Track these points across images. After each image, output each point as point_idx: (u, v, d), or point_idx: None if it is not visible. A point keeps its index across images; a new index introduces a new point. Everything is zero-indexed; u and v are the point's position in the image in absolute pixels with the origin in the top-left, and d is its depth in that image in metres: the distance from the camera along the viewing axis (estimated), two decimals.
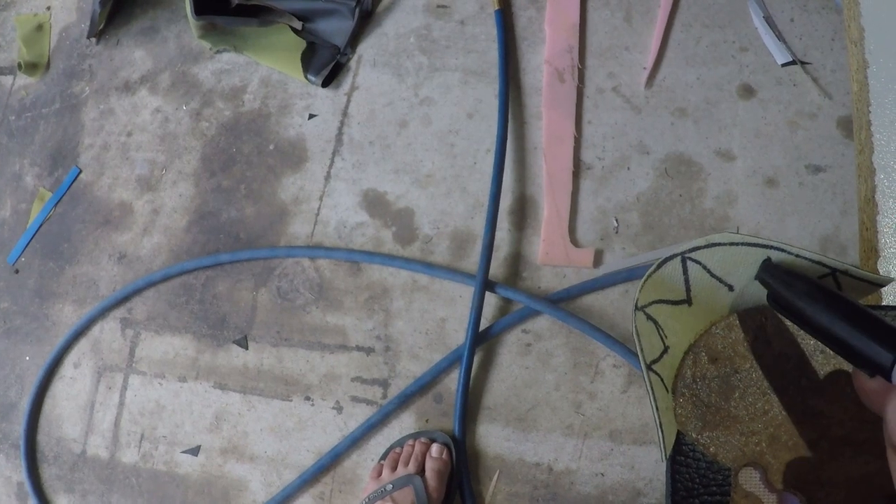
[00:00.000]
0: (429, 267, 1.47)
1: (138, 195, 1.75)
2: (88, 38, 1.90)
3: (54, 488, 1.66)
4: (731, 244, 0.57)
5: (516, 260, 1.45)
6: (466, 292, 1.45)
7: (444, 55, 1.60)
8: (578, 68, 1.50)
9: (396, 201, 1.54)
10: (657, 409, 0.58)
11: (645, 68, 1.48)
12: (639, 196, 1.42)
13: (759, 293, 0.59)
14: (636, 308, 0.59)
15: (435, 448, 1.34)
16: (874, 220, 0.65)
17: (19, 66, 1.94)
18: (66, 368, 1.71)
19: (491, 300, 1.44)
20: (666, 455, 0.59)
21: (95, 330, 1.70)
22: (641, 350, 0.58)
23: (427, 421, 1.43)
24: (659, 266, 0.59)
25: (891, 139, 0.68)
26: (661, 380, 0.59)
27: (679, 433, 0.60)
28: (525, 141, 1.51)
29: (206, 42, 1.72)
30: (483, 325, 1.42)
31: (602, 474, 1.32)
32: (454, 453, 1.36)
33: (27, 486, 1.66)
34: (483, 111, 1.54)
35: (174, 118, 1.77)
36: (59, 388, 1.71)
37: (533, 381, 1.39)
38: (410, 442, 1.38)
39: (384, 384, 1.47)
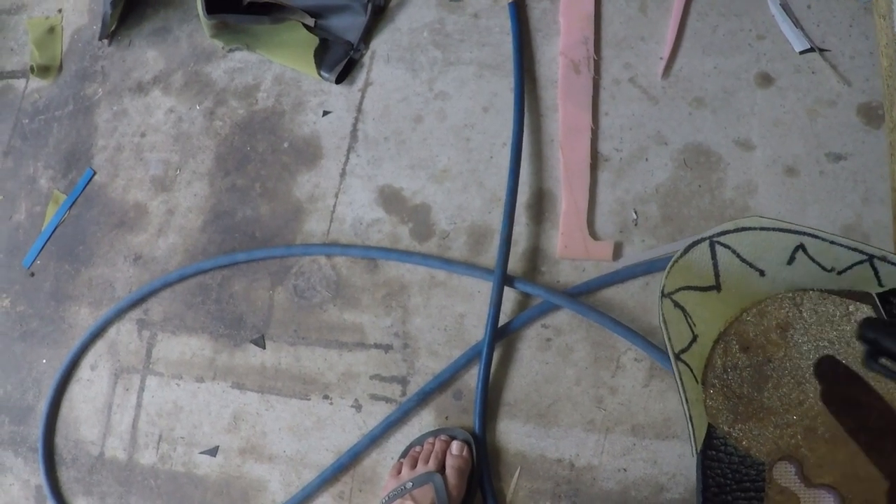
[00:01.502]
0: (446, 262, 1.45)
1: (153, 196, 1.74)
2: (100, 39, 1.90)
3: (73, 491, 1.65)
4: (762, 229, 0.55)
5: (535, 254, 1.44)
6: (485, 287, 1.43)
7: (458, 49, 1.58)
8: (594, 59, 1.49)
9: (412, 197, 1.53)
10: (687, 400, 0.56)
11: (661, 58, 1.46)
12: (658, 187, 1.40)
13: (791, 278, 0.57)
14: (662, 295, 0.57)
15: (455, 445, 1.33)
16: None
17: (32, 69, 1.94)
18: (83, 371, 1.71)
19: (510, 295, 1.42)
20: (697, 449, 0.58)
21: (112, 332, 1.70)
22: (669, 339, 0.56)
23: (447, 418, 1.42)
24: (686, 251, 0.58)
25: None
26: (691, 370, 0.58)
27: (710, 426, 0.59)
28: (541, 134, 1.49)
29: (218, 41, 1.72)
30: (502, 320, 1.40)
31: (624, 469, 1.31)
32: (475, 450, 1.34)
33: (45, 490, 1.65)
34: (498, 105, 1.53)
35: (188, 118, 1.77)
36: (76, 390, 1.71)
37: (553, 376, 1.38)
38: (430, 440, 1.37)
39: (403, 382, 1.45)
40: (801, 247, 0.55)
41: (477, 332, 1.43)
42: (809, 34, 1.38)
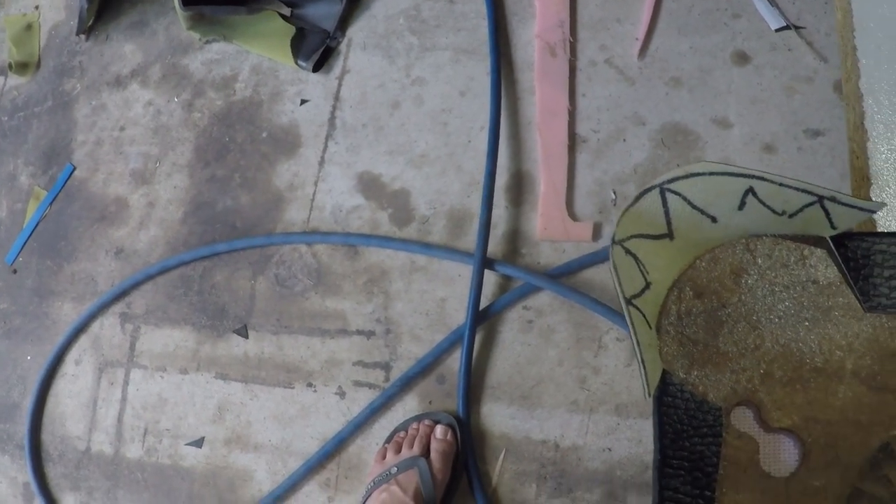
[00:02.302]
0: (426, 247, 1.45)
1: (133, 189, 1.74)
2: (77, 35, 1.89)
3: (60, 487, 1.65)
4: (711, 174, 0.55)
5: (514, 236, 1.44)
6: (465, 271, 1.43)
7: (434, 35, 1.58)
8: (570, 42, 1.49)
9: (391, 183, 1.53)
10: (639, 344, 0.56)
11: (637, 39, 1.46)
12: (636, 167, 1.40)
13: (744, 224, 0.58)
14: (613, 242, 0.57)
15: (439, 429, 1.33)
16: (864, 147, 0.64)
17: (10, 66, 1.93)
18: (68, 366, 1.71)
19: (490, 278, 1.43)
20: (649, 392, 0.58)
21: (95, 326, 1.70)
22: (619, 284, 0.56)
23: (430, 402, 1.42)
24: (637, 199, 0.58)
25: (877, 64, 0.67)
26: (643, 315, 0.58)
27: (666, 373, 0.59)
28: (519, 117, 1.50)
29: (195, 33, 1.71)
30: (483, 303, 1.40)
31: (609, 449, 1.31)
32: (459, 434, 1.34)
33: (33, 486, 1.65)
34: (475, 89, 1.53)
35: (166, 110, 1.76)
36: (61, 386, 1.70)
37: (536, 357, 1.38)
38: (414, 424, 1.37)
39: (386, 367, 1.46)
40: (751, 190, 0.55)
41: (458, 315, 1.43)
42: (785, 12, 1.39)
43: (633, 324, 0.56)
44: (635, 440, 1.30)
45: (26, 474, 1.67)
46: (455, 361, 1.42)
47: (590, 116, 1.45)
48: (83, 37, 1.90)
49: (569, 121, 1.46)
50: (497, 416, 1.37)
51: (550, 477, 1.33)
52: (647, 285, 0.58)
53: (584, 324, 1.36)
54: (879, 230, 0.74)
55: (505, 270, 1.40)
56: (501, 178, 1.46)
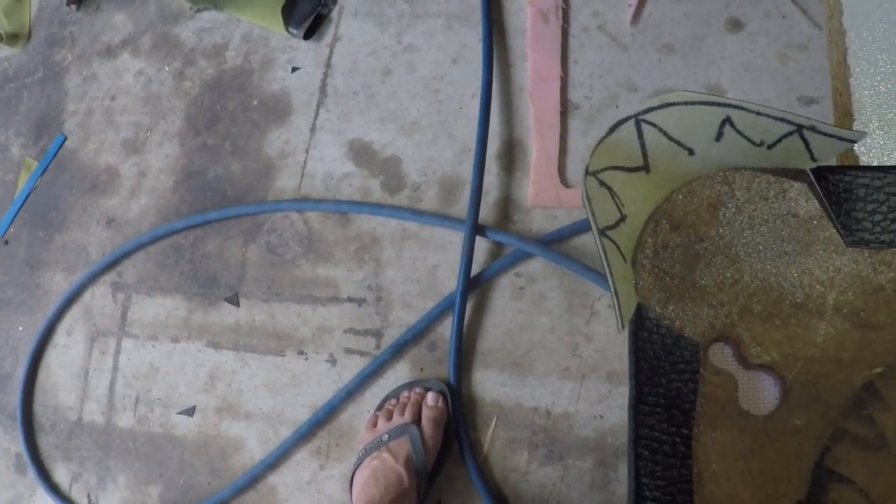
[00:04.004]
0: (418, 214, 1.45)
1: (124, 158, 1.73)
2: (68, 5, 1.88)
3: (52, 457, 1.65)
4: (687, 103, 0.55)
5: (506, 203, 1.43)
6: (457, 238, 1.43)
7: (426, 1, 1.57)
8: (562, 8, 1.48)
9: (383, 150, 1.52)
10: (612, 275, 0.55)
11: (630, 5, 1.45)
12: None
13: (722, 156, 0.57)
14: (586, 173, 0.56)
15: (430, 396, 1.32)
16: (847, 83, 0.63)
17: (0, 37, 1.92)
18: (59, 336, 1.70)
19: (482, 245, 1.42)
20: (623, 325, 0.57)
21: (87, 296, 1.69)
22: (592, 214, 0.55)
23: (422, 370, 1.42)
24: (612, 130, 0.57)
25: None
26: (618, 247, 0.57)
27: (642, 308, 0.58)
28: (511, 84, 1.49)
29: (186, 1, 1.70)
30: (475, 270, 1.40)
31: (601, 416, 1.31)
32: (450, 401, 1.34)
33: (25, 457, 1.65)
34: (467, 56, 1.52)
35: (157, 79, 1.75)
36: (52, 356, 1.70)
37: (527, 324, 1.37)
38: (405, 392, 1.36)
39: (377, 334, 1.45)
40: (728, 120, 0.55)
41: (450, 282, 1.42)
42: None
43: (605, 255, 0.55)
44: (627, 407, 1.29)
45: (18, 445, 1.67)
46: (446, 328, 1.41)
47: (582, 83, 1.45)
48: (74, 7, 1.89)
49: (561, 87, 1.45)
50: (488, 384, 1.37)
51: (542, 444, 1.33)
52: (623, 218, 0.57)
53: (575, 290, 1.36)
54: (862, 164, 0.73)
55: (496, 237, 1.40)
56: (493, 145, 1.46)
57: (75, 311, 1.70)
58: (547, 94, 1.44)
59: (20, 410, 1.68)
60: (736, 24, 1.39)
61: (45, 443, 1.66)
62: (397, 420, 1.30)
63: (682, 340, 0.58)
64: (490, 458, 1.34)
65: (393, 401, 1.37)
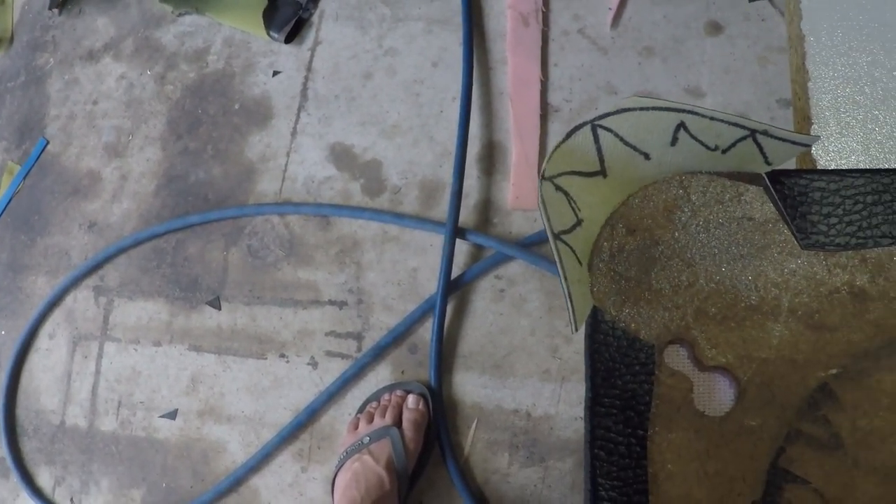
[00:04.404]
0: (398, 217, 1.45)
1: (106, 162, 1.73)
2: (50, 9, 1.88)
3: (35, 461, 1.65)
4: (642, 109, 0.55)
5: (486, 206, 1.44)
6: (437, 241, 1.43)
7: (406, 5, 1.58)
8: (543, 11, 1.49)
9: (363, 153, 1.53)
10: (566, 279, 0.56)
11: (610, 9, 1.46)
12: None
13: (677, 161, 0.57)
14: (542, 178, 0.57)
15: (411, 399, 1.33)
16: (805, 87, 0.64)
17: None
18: (42, 340, 1.70)
19: (463, 248, 1.42)
20: (576, 327, 0.58)
21: (69, 300, 1.69)
22: (548, 219, 0.56)
23: (403, 372, 1.42)
24: (568, 136, 0.57)
25: (818, 4, 0.67)
26: (573, 251, 0.57)
27: (598, 311, 0.58)
28: (491, 87, 1.49)
29: (168, 5, 1.71)
30: (455, 273, 1.40)
31: (581, 418, 1.31)
32: (431, 404, 1.35)
33: (8, 461, 1.64)
34: (448, 59, 1.52)
35: (139, 84, 1.75)
36: (35, 360, 1.70)
37: (508, 327, 1.38)
38: (386, 395, 1.37)
39: (358, 337, 1.45)
40: (683, 125, 0.55)
41: (430, 285, 1.43)
42: None
43: (560, 259, 0.56)
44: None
45: (1, 449, 1.67)
46: (427, 331, 1.42)
47: (562, 86, 1.45)
48: (56, 11, 1.89)
49: (541, 90, 1.45)
50: (469, 386, 1.37)
51: (522, 446, 1.33)
52: (579, 222, 0.58)
53: (555, 293, 1.36)
54: (819, 168, 0.74)
55: (476, 240, 1.40)
56: (473, 148, 1.46)
57: (57, 315, 1.69)
58: (527, 98, 1.45)
59: (2, 414, 1.67)
60: (716, 28, 1.40)
61: (28, 447, 1.66)
62: (378, 423, 1.31)
63: (637, 343, 0.58)
64: (471, 460, 1.35)
65: (374, 403, 1.37)
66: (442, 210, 1.45)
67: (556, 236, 0.56)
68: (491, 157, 1.45)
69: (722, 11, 1.40)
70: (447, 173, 1.46)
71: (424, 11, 1.56)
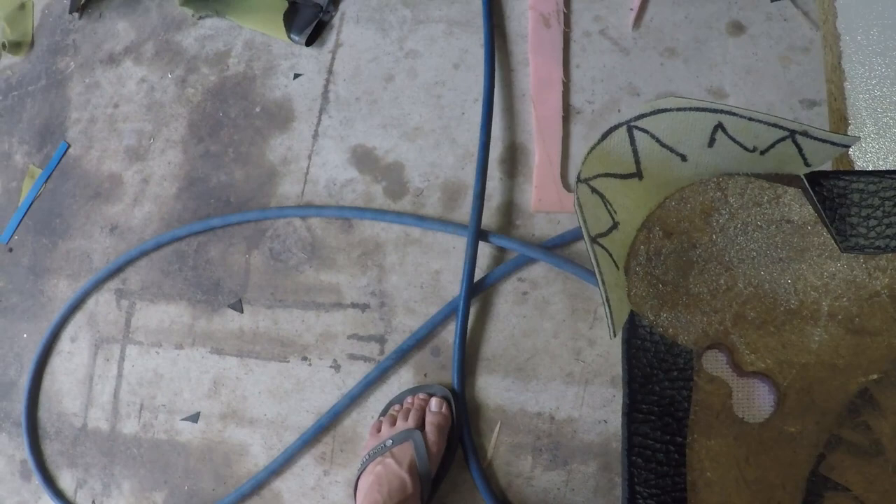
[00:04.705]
0: (421, 220, 1.45)
1: (127, 166, 1.74)
2: (70, 13, 1.89)
3: (57, 464, 1.65)
4: (679, 109, 0.55)
5: (509, 208, 1.43)
6: (460, 243, 1.43)
7: (427, 7, 1.57)
8: (564, 13, 1.48)
9: (385, 156, 1.52)
10: (604, 283, 0.55)
11: (632, 9, 1.45)
12: None
13: (715, 162, 0.57)
14: (578, 180, 0.56)
15: (434, 402, 1.32)
16: (842, 87, 0.63)
17: (3, 45, 1.93)
18: (64, 343, 1.71)
19: (485, 250, 1.42)
20: (615, 332, 0.57)
21: (91, 303, 1.70)
22: (584, 222, 0.55)
23: (426, 375, 1.41)
24: (603, 137, 0.57)
25: (854, 2, 0.66)
26: (610, 254, 0.57)
27: (635, 316, 0.58)
28: (513, 88, 1.49)
29: (188, 9, 1.71)
30: (478, 275, 1.40)
31: (605, 421, 1.30)
32: (454, 407, 1.34)
33: (30, 464, 1.65)
34: (469, 61, 1.52)
35: (160, 87, 1.76)
36: (57, 363, 1.70)
37: (531, 329, 1.37)
38: (409, 398, 1.36)
39: (381, 340, 1.45)
40: (720, 126, 0.54)
41: (453, 288, 1.42)
42: None
43: (598, 262, 0.55)
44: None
45: (24, 451, 1.68)
46: (450, 334, 1.41)
47: (584, 87, 1.45)
48: (76, 15, 1.90)
49: (563, 92, 1.45)
50: (492, 389, 1.37)
51: (546, 449, 1.32)
52: (615, 225, 0.57)
53: (578, 295, 1.35)
54: (857, 169, 0.73)
55: (499, 242, 1.40)
56: (496, 150, 1.46)
57: (79, 319, 1.70)
58: (549, 99, 1.44)
59: (25, 417, 1.68)
60: (738, 28, 1.39)
61: (50, 449, 1.66)
62: (401, 426, 1.30)
63: (675, 348, 0.57)
64: (494, 463, 1.34)
65: (397, 406, 1.37)
66: (464, 212, 1.45)
67: (593, 240, 0.55)
68: (513, 159, 1.45)
69: (744, 11, 1.39)
70: (469, 175, 1.45)
71: (445, 13, 1.56)
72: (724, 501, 0.55)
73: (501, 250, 1.42)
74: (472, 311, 1.40)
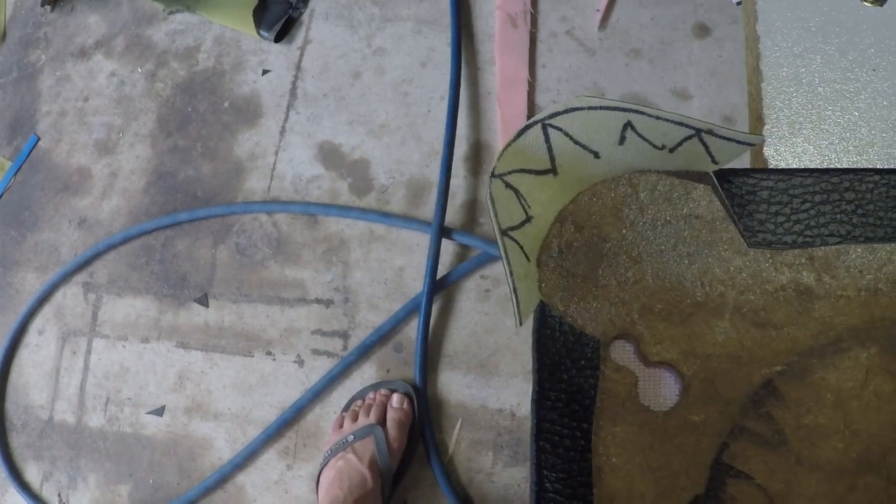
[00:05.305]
0: (385, 216, 1.46)
1: (96, 159, 1.74)
2: (42, 6, 1.89)
3: (23, 456, 1.65)
4: (591, 108, 0.56)
5: (473, 206, 1.44)
6: (424, 240, 1.44)
7: (395, 5, 1.58)
8: (531, 13, 1.49)
9: (352, 152, 1.53)
10: (511, 274, 0.56)
11: (598, 10, 1.46)
12: None
13: (626, 160, 0.58)
14: (493, 175, 0.58)
15: (395, 398, 1.33)
16: (759, 88, 0.65)
17: None
18: (31, 336, 1.71)
19: (449, 247, 1.43)
20: (520, 322, 0.58)
21: (58, 296, 1.70)
22: (496, 215, 0.56)
23: (388, 371, 1.42)
24: (519, 134, 0.58)
25: (773, 6, 0.68)
26: (520, 247, 0.58)
27: (545, 307, 0.59)
28: (479, 87, 1.50)
29: (159, 3, 1.71)
30: (441, 272, 1.41)
31: None
32: (416, 402, 1.35)
33: None
34: (436, 59, 1.53)
35: (129, 81, 1.76)
36: (24, 355, 1.70)
37: (493, 326, 1.38)
38: (371, 393, 1.37)
39: (344, 336, 1.46)
40: (630, 125, 0.56)
41: (416, 284, 1.43)
42: None
43: (506, 254, 0.56)
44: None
45: None
46: (412, 330, 1.42)
47: (549, 87, 1.46)
48: (48, 8, 1.90)
49: (529, 91, 1.46)
50: (454, 385, 1.38)
51: (506, 445, 1.33)
52: (528, 219, 0.58)
53: None
54: (771, 167, 0.74)
55: (463, 239, 1.41)
56: (461, 149, 1.47)
57: (47, 311, 1.70)
58: (514, 98, 1.45)
59: None
60: (703, 30, 1.40)
61: (17, 441, 1.66)
62: (363, 421, 1.31)
63: (583, 338, 0.59)
64: (455, 459, 1.35)
65: (359, 402, 1.37)
66: (429, 209, 1.45)
67: (503, 232, 0.57)
68: (478, 158, 1.46)
69: (710, 14, 1.41)
70: (434, 173, 1.46)
71: (413, 12, 1.56)
72: (629, 487, 0.56)
73: (465, 247, 1.43)
74: (435, 307, 1.41)
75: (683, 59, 1.40)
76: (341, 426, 1.34)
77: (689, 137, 0.55)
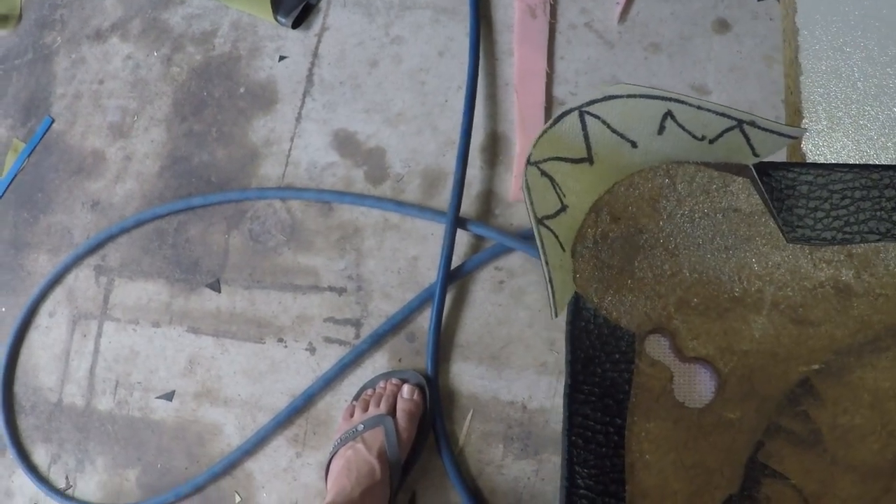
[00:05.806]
0: (400, 205, 1.45)
1: (111, 142, 1.73)
2: None
3: (32, 438, 1.65)
4: (629, 96, 0.55)
5: (488, 197, 1.43)
6: (438, 230, 1.43)
7: None
8: (550, 4, 1.48)
9: (367, 141, 1.53)
10: (547, 264, 0.56)
11: (618, 3, 1.45)
12: None
13: (664, 150, 0.57)
14: (528, 163, 0.57)
15: (406, 389, 1.33)
16: (797, 81, 0.64)
17: None
18: (42, 318, 1.70)
19: (463, 238, 1.42)
20: (556, 312, 0.57)
21: (70, 278, 1.69)
22: (531, 203, 0.56)
23: (400, 360, 1.42)
24: (555, 121, 0.57)
25: None
26: (556, 236, 0.57)
27: (580, 298, 0.58)
28: (497, 78, 1.49)
29: None
30: (455, 262, 1.40)
31: None
32: (427, 393, 1.34)
33: (5, 438, 1.65)
34: (454, 49, 1.52)
35: (145, 64, 1.76)
36: (34, 337, 1.70)
37: (506, 318, 1.38)
38: (382, 383, 1.37)
39: (356, 324, 1.45)
40: (670, 114, 0.55)
41: (430, 274, 1.43)
42: None
43: (542, 243, 0.56)
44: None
45: None
46: (425, 320, 1.42)
47: (568, 79, 1.45)
48: None
49: (547, 83, 1.45)
50: (465, 376, 1.37)
51: (517, 438, 1.33)
52: (564, 208, 0.58)
53: None
54: (809, 161, 0.73)
55: (477, 230, 1.40)
56: (477, 139, 1.46)
57: (58, 294, 1.70)
58: (532, 90, 1.45)
59: (1, 391, 1.68)
60: (723, 25, 1.39)
61: (25, 424, 1.66)
62: (373, 411, 1.31)
63: (618, 331, 0.58)
64: (465, 450, 1.35)
65: (370, 391, 1.37)
66: (444, 199, 1.45)
67: (539, 221, 0.56)
68: (494, 148, 1.45)
69: (730, 10, 1.40)
70: (450, 163, 1.46)
71: (432, 0, 1.56)
72: (662, 484, 0.56)
73: (479, 238, 1.42)
74: (449, 298, 1.41)
75: (703, 54, 1.39)
76: (352, 415, 1.34)
77: (731, 129, 0.54)
